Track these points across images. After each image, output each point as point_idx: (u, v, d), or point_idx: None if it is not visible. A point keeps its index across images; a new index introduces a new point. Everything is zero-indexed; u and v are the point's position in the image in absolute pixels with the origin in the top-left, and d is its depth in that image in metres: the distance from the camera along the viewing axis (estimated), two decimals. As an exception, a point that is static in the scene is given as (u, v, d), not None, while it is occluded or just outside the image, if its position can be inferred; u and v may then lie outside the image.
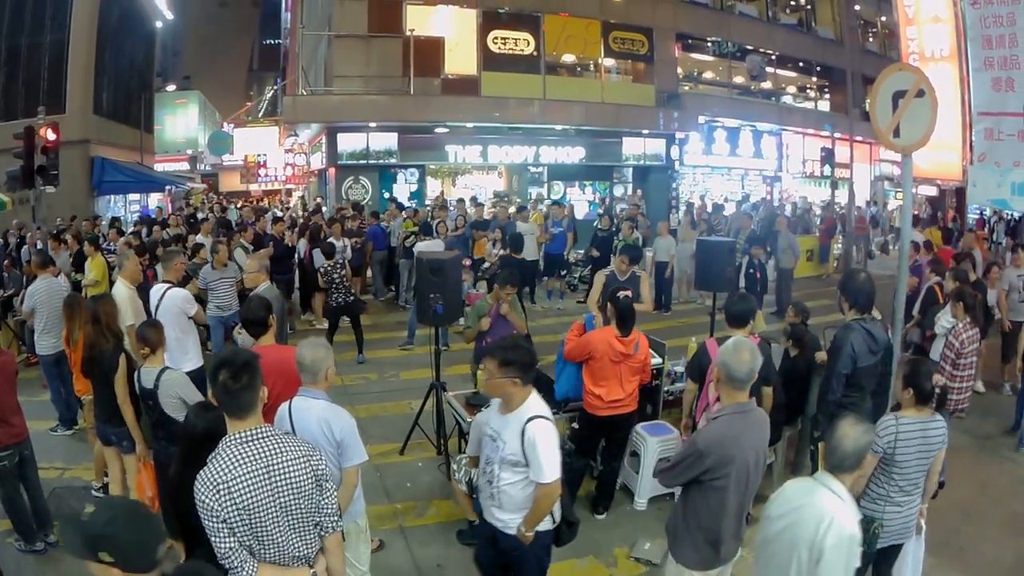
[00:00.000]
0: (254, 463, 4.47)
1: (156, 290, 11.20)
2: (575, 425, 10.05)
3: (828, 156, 36.52)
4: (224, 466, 4.44)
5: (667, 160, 37.76)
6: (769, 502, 5.30)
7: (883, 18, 45.17)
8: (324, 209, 29.09)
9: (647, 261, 21.92)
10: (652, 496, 9.80)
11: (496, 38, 33.12)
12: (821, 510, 4.81)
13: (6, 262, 19.35)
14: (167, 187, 43.50)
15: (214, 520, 4.40)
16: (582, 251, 25.52)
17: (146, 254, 15.46)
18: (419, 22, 31.50)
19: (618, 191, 37.56)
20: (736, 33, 40.15)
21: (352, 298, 16.32)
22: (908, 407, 6.45)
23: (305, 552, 4.73)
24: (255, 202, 46.43)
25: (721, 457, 5.42)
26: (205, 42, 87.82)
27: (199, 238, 19.31)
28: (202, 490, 4.40)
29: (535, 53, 33.84)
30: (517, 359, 5.74)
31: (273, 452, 4.55)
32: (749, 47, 40.67)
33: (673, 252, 21.62)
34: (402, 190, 33.15)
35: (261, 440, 4.56)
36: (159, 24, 48.51)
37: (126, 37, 41.93)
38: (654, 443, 9.66)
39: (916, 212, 34.75)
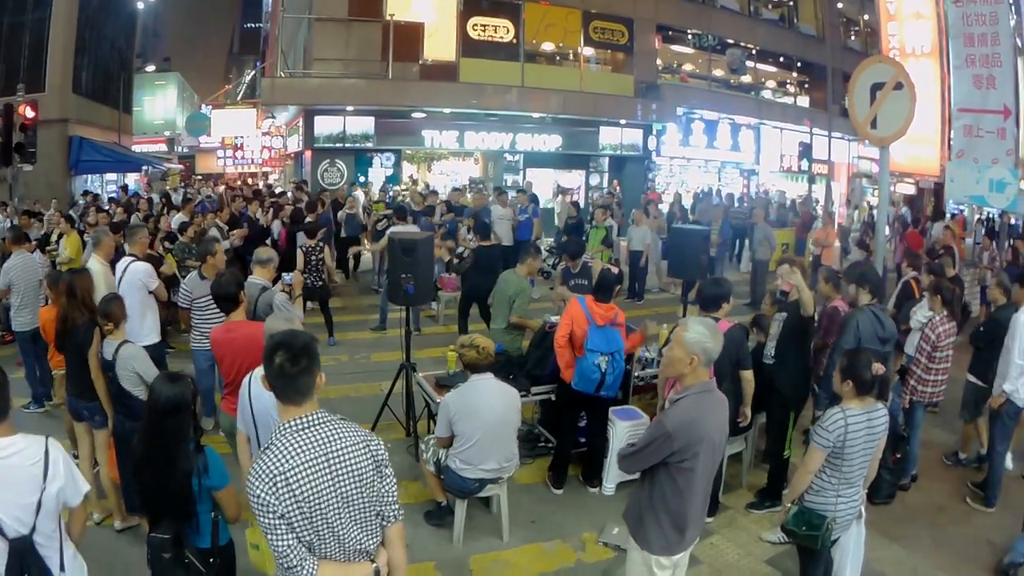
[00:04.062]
0: (313, 451, 4.20)
1: (120, 264, 11.19)
2: (552, 397, 10.28)
3: (805, 151, 36.59)
4: (280, 456, 4.15)
5: (644, 150, 37.89)
6: None
7: (865, 16, 45.31)
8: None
9: (621, 249, 21.97)
10: (620, 481, 9.77)
11: (476, 25, 33.13)
12: None
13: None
14: (144, 167, 43.38)
15: (270, 516, 4.10)
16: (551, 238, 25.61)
17: (120, 232, 15.27)
18: (399, 7, 31.48)
19: (594, 180, 37.64)
20: (717, 26, 40.22)
21: (322, 283, 16.08)
22: (850, 399, 6.41)
23: (367, 545, 4.45)
24: (230, 184, 46.09)
25: (690, 438, 5.31)
26: (186, 24, 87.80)
27: (179, 217, 18.97)
28: (257, 484, 4.10)
29: (514, 40, 33.85)
30: None
31: (332, 439, 4.28)
32: (730, 41, 40.81)
33: (648, 241, 21.50)
34: (378, 174, 33.31)
35: (318, 426, 4.29)
36: (140, 5, 48.31)
37: (107, 17, 41.74)
38: (624, 428, 9.63)
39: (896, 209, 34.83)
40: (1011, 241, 23.39)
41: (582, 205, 31.18)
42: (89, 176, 38.91)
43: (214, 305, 9.65)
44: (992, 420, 9.91)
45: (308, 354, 4.35)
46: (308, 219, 18.19)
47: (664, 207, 30.26)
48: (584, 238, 21.08)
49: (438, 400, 9.13)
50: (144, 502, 5.68)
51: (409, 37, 31.09)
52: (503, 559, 8.39)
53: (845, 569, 6.94)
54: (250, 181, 48.00)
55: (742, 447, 10.08)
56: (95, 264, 11.22)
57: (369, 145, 32.63)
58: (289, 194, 26.80)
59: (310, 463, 4.18)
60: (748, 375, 8.79)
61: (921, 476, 10.43)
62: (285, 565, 4.21)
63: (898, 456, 9.61)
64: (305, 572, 4.19)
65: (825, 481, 6.46)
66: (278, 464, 4.13)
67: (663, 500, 5.54)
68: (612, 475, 9.82)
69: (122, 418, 7.94)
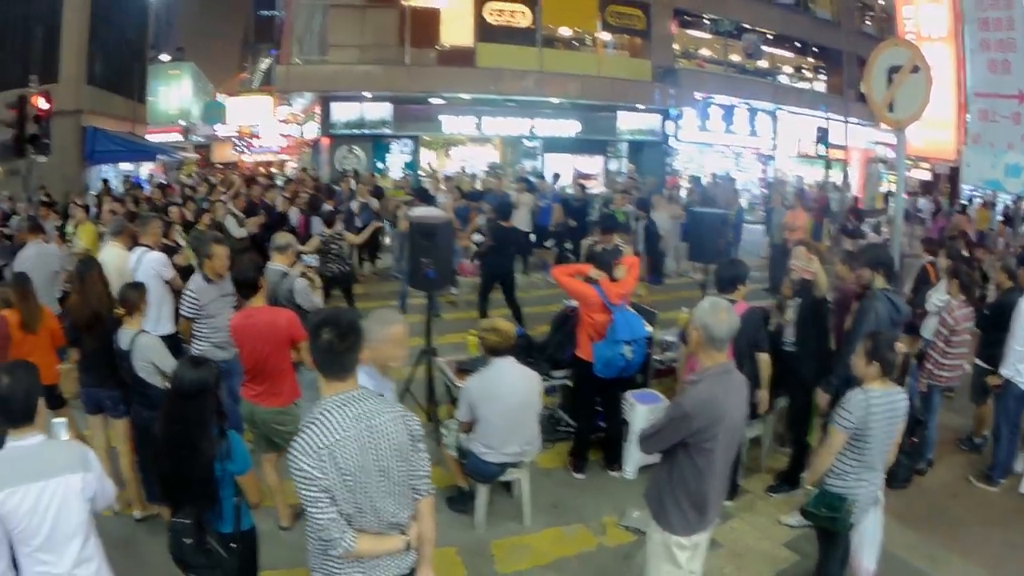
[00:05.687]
0: (355, 425, 4.31)
1: (134, 254, 11.22)
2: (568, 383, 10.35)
3: (822, 136, 36.46)
4: (325, 430, 4.25)
5: (662, 136, 37.88)
6: None
7: (881, 1, 45.18)
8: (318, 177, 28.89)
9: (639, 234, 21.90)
10: (642, 466, 9.71)
11: (493, 10, 33.04)
12: None
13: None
14: (159, 156, 43.29)
15: (314, 489, 4.21)
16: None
17: (135, 220, 15.25)
18: (417, -8, 31.49)
19: (612, 165, 37.56)
20: (733, 11, 40.14)
21: (348, 269, 16.06)
22: (873, 380, 6.41)
23: (400, 518, 4.56)
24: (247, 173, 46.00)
25: (710, 418, 5.33)
26: (199, 14, 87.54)
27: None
28: (302, 458, 4.20)
29: (532, 25, 33.77)
30: None
31: (373, 413, 4.39)
32: (746, 25, 40.68)
33: (668, 227, 21.39)
34: (396, 160, 33.36)
35: (359, 402, 4.39)
36: (153, -7, 48.34)
37: (120, 7, 41.55)
38: (643, 411, 9.54)
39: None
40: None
41: (603, 190, 31.07)
42: (103, 166, 38.83)
43: (225, 311, 9.44)
44: (996, 402, 9.99)
45: (355, 332, 4.45)
46: (327, 206, 18.19)
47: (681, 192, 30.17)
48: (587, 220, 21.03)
49: (459, 385, 9.15)
50: (165, 488, 5.72)
51: (425, 22, 31.25)
52: (524, 543, 8.40)
53: (863, 553, 6.92)
54: (263, 169, 47.96)
55: (761, 431, 10.06)
56: (112, 252, 11.30)
57: (386, 131, 32.74)
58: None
59: (353, 437, 4.27)
60: (764, 357, 8.77)
61: (937, 460, 10.40)
62: (325, 537, 4.29)
63: (915, 440, 9.57)
64: (345, 544, 4.28)
65: (846, 464, 6.45)
66: (323, 438, 4.22)
67: (683, 481, 5.55)
68: (632, 459, 9.79)
69: (140, 407, 7.91)
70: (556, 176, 28.00)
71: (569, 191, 26.33)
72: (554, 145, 36.06)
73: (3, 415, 4.77)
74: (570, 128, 35.47)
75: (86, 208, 17.63)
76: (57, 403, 8.92)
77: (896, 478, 9.26)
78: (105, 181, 32.93)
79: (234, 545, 5.62)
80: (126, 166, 40.83)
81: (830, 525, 6.56)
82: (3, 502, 4.57)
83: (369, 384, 5.36)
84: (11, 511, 4.60)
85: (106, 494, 5.15)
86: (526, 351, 10.06)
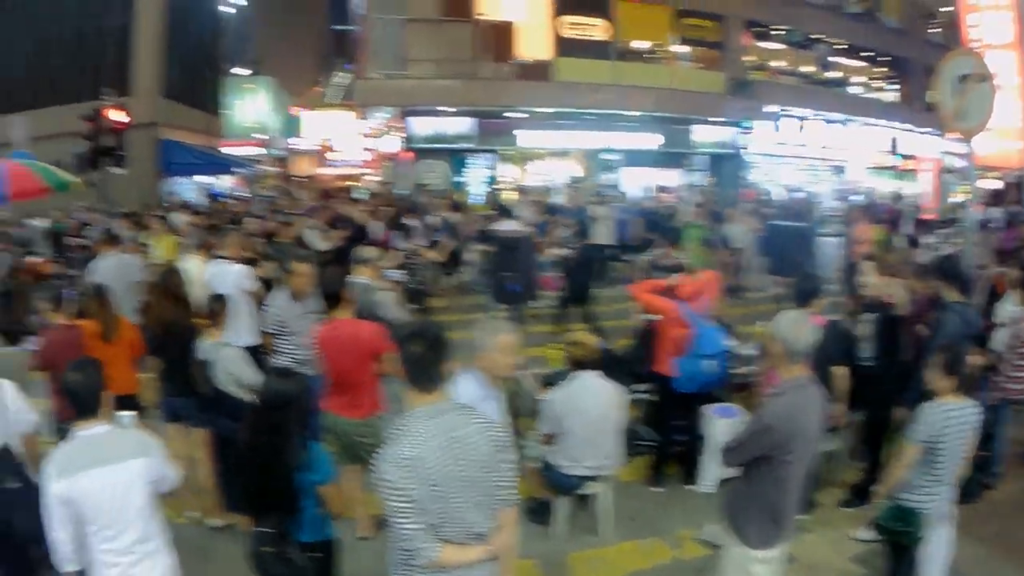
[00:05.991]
0: (441, 437, 4.36)
1: (214, 266, 11.39)
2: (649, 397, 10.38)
3: (894, 147, 36.14)
4: (412, 441, 4.33)
5: (736, 148, 37.63)
6: None
7: (948, 8, 44.87)
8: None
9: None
10: (719, 479, 9.69)
11: (568, 23, 33.21)
12: None
13: (74, 243, 19.40)
14: (235, 169, 43.50)
15: (402, 500, 4.26)
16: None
17: (215, 232, 15.37)
18: (492, 6, 31.91)
19: (690, 179, 37.15)
20: (804, 22, 39.84)
21: (423, 286, 16.08)
22: (947, 393, 6.43)
23: (484, 528, 4.54)
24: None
25: (790, 431, 5.42)
26: (275, 27, 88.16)
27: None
28: (389, 469, 4.28)
29: (607, 39, 33.89)
30: None
31: (457, 425, 4.44)
32: (817, 36, 40.46)
33: (746, 240, 21.27)
34: (475, 175, 33.50)
35: (445, 413, 4.47)
36: (231, 9, 48.79)
37: (194, 21, 42.04)
38: (724, 425, 9.48)
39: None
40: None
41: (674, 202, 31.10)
42: (180, 179, 39.06)
43: (307, 328, 9.14)
44: None
45: (442, 343, 4.56)
46: (407, 220, 18.28)
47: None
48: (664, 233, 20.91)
49: (541, 397, 9.19)
50: (248, 497, 5.85)
51: (501, 36, 31.56)
52: (601, 556, 8.47)
53: (931, 568, 6.89)
54: (339, 183, 48.16)
55: (837, 445, 10.03)
56: (191, 263, 11.55)
57: (465, 145, 32.94)
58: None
59: (438, 448, 4.32)
60: (839, 371, 8.75)
61: (1005, 475, 10.29)
62: (409, 547, 4.37)
63: (984, 453, 9.47)
64: (429, 554, 4.34)
65: (919, 477, 6.49)
66: (410, 449, 4.30)
67: (762, 494, 5.65)
68: (710, 473, 9.75)
69: (220, 417, 8.08)
70: (642, 189, 28.07)
71: (648, 204, 26.32)
72: (632, 158, 35.93)
73: (73, 407, 5.37)
74: (647, 141, 35.47)
75: (163, 219, 17.78)
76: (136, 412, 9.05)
77: (967, 492, 9.20)
78: (171, 194, 33.41)
79: (315, 555, 5.74)
80: (203, 179, 41.07)
81: (902, 539, 6.62)
82: (71, 487, 5.08)
83: (477, 392, 5.70)
84: (78, 495, 5.08)
85: (168, 478, 5.67)
86: (607, 365, 10.10)
